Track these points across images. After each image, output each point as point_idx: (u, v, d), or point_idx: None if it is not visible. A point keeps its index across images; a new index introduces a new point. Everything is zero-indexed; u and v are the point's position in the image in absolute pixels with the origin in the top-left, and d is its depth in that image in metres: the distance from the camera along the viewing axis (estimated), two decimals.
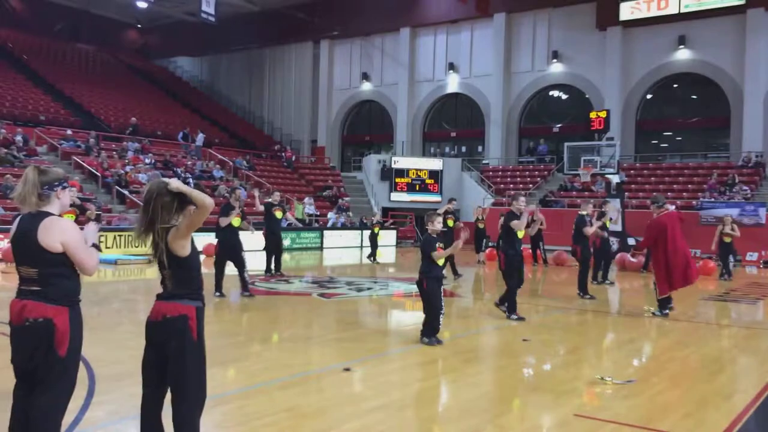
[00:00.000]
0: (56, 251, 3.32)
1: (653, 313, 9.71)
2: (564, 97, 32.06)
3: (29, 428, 3.35)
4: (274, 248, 13.84)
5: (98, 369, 5.70)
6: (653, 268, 10.16)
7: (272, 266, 13.87)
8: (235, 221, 10.56)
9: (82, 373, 5.43)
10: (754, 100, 26.05)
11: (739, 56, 26.53)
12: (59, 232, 3.33)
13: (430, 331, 7.36)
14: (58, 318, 3.31)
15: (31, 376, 3.38)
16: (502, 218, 9.35)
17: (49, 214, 3.39)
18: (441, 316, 7.35)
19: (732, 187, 23.84)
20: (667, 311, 9.63)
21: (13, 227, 3.45)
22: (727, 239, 15.61)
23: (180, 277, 3.48)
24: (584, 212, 12.24)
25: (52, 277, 3.34)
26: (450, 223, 14.71)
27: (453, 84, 33.84)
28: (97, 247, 3.57)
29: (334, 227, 25.55)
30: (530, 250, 19.13)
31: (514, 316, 9.09)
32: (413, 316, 10.10)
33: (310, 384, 5.70)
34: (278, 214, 13.68)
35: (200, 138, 29.73)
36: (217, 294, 10.45)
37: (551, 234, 19.49)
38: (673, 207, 9.87)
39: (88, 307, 9.14)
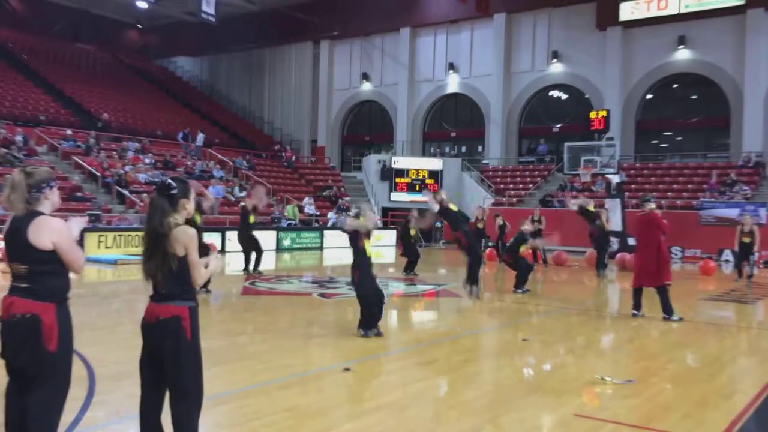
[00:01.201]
0: (46, 249, 3.36)
1: (663, 318, 9.35)
2: (564, 97, 32.04)
3: (25, 427, 3.37)
4: (250, 248, 14.47)
5: (98, 369, 5.71)
6: None
7: (250, 266, 14.42)
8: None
9: (82, 373, 5.44)
10: (754, 100, 26.04)
11: (739, 56, 26.52)
12: (50, 232, 3.37)
13: (367, 322, 7.59)
14: (45, 315, 3.34)
15: (22, 373, 3.40)
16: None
17: (40, 213, 3.42)
18: (382, 305, 7.61)
19: (732, 187, 23.84)
20: (679, 317, 9.30)
21: (6, 224, 3.48)
22: (746, 239, 15.53)
23: (174, 276, 3.49)
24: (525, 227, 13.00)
25: (41, 275, 3.37)
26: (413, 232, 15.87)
27: (453, 84, 33.83)
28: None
29: (334, 227, 25.54)
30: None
31: (476, 288, 9.76)
32: (413, 316, 10.11)
33: (310, 384, 5.70)
34: (251, 218, 14.33)
35: (200, 138, 29.72)
36: (203, 290, 10.53)
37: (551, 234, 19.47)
38: (654, 207, 9.71)
39: (88, 307, 9.19)
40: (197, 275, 3.54)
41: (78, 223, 3.66)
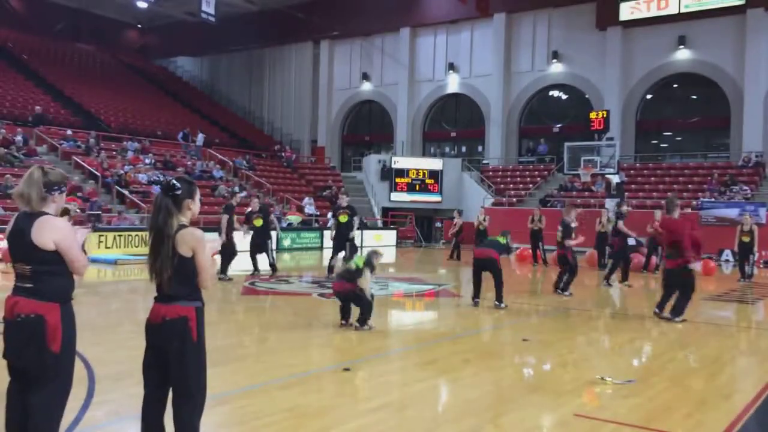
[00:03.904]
0: (49, 249, 3.36)
1: (668, 318, 9.29)
2: (564, 97, 32.05)
3: (27, 427, 3.37)
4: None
5: (98, 369, 5.70)
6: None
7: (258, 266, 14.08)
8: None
9: (82, 373, 5.44)
10: (754, 100, 26.05)
11: (739, 56, 26.53)
12: (52, 231, 3.37)
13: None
14: (49, 315, 3.34)
15: (24, 373, 3.40)
16: None
17: (44, 213, 3.43)
18: None
19: (732, 187, 23.85)
20: (682, 319, 9.25)
21: (9, 225, 3.49)
22: (746, 239, 15.50)
23: (181, 276, 3.48)
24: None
25: (45, 275, 3.38)
26: (342, 219, 13.55)
27: (453, 84, 33.83)
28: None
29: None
30: (530, 251, 19.18)
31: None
32: (413, 316, 10.12)
33: (310, 384, 5.70)
34: (257, 222, 13.77)
35: (200, 138, 29.73)
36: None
37: (551, 234, 19.46)
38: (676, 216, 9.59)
39: (88, 306, 9.19)
40: (206, 278, 3.51)
41: (81, 234, 3.65)
